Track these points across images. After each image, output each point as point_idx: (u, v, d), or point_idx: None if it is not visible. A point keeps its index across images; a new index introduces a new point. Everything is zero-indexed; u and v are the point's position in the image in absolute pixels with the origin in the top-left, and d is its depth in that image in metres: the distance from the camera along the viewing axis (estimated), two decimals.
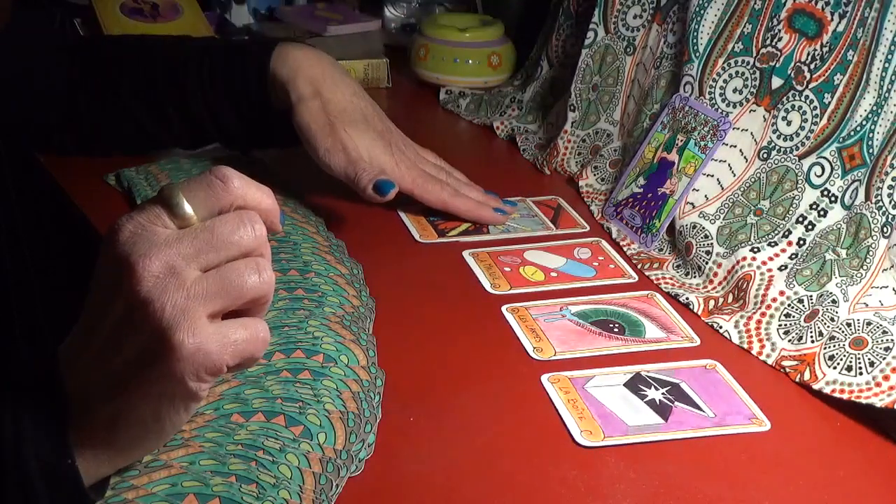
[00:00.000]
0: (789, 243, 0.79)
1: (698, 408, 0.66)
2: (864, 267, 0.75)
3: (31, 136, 0.94)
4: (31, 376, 0.49)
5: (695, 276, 0.82)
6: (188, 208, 0.47)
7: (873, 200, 0.77)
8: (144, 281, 0.45)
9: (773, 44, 0.85)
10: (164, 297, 0.45)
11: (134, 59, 0.91)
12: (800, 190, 0.81)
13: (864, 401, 0.65)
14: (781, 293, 0.75)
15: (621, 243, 0.89)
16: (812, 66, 0.82)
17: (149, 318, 0.45)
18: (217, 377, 0.47)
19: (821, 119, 0.81)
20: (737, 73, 0.88)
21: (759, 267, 0.78)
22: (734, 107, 0.87)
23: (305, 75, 0.85)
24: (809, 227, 0.79)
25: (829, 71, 0.81)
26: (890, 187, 0.76)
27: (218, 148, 0.96)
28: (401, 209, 0.91)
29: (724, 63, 0.88)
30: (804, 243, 0.78)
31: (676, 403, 0.66)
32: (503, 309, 0.76)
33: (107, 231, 0.47)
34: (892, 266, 0.76)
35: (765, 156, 0.84)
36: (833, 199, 0.79)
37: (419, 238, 0.87)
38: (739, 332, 0.75)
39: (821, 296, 0.74)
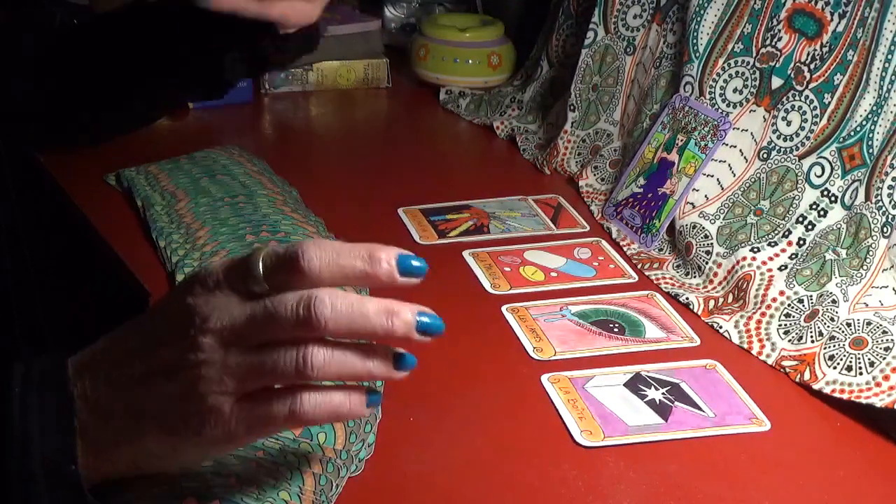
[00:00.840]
0: (789, 243, 0.79)
1: (698, 408, 0.66)
2: (864, 267, 0.75)
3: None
4: (39, 377, 0.49)
5: (695, 276, 0.82)
6: (262, 279, 0.46)
7: (873, 200, 0.77)
8: (196, 346, 0.46)
9: (773, 44, 0.85)
10: (203, 370, 0.46)
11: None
12: (800, 190, 0.81)
13: (864, 401, 0.65)
14: (781, 293, 0.75)
15: (621, 243, 0.89)
16: (812, 66, 0.82)
17: (185, 381, 0.46)
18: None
19: (821, 119, 0.81)
20: (737, 73, 0.88)
21: (759, 267, 0.78)
22: (734, 107, 0.87)
23: None
24: (809, 227, 0.79)
25: (829, 71, 0.81)
26: (890, 187, 0.76)
27: (213, 141, 0.96)
28: (401, 210, 0.91)
29: (724, 63, 0.88)
30: (804, 243, 0.78)
31: (676, 403, 0.66)
32: (503, 309, 0.76)
33: (193, 275, 0.48)
34: (892, 266, 0.76)
35: (765, 156, 0.84)
36: (833, 199, 0.79)
37: (419, 240, 0.87)
38: (739, 332, 0.75)
39: (821, 296, 0.74)
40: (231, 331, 0.46)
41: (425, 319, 0.48)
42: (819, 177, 0.80)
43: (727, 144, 0.86)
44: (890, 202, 0.76)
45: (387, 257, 0.47)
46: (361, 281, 0.47)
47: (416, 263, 0.48)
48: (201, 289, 0.47)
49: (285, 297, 0.45)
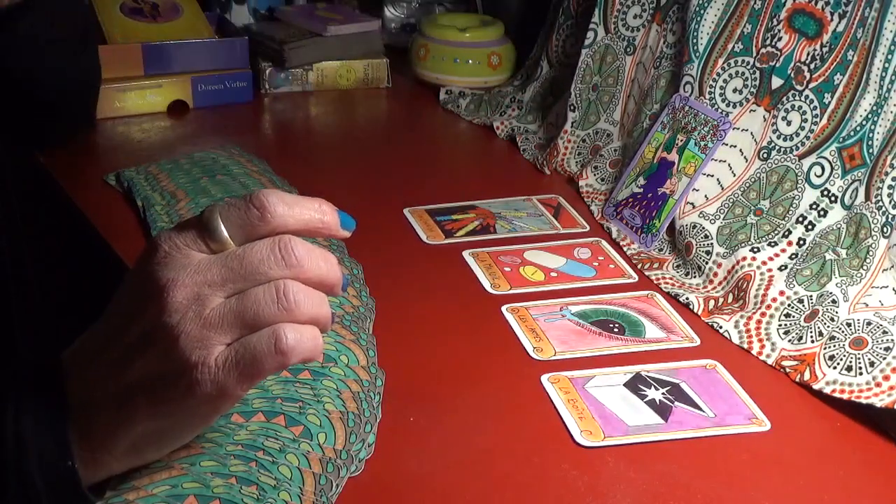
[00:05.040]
0: (789, 243, 0.79)
1: (698, 408, 0.66)
2: (864, 267, 0.75)
3: None
4: (33, 377, 0.49)
5: (695, 276, 0.82)
6: (224, 233, 0.47)
7: (873, 200, 0.77)
8: (167, 307, 0.45)
9: (773, 44, 0.85)
10: (181, 327, 0.45)
11: None
12: (800, 190, 0.81)
13: (864, 401, 0.65)
14: (781, 293, 0.75)
15: (621, 243, 0.89)
16: (812, 66, 0.82)
17: (163, 344, 0.46)
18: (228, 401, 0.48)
19: (821, 119, 0.81)
20: (737, 73, 0.88)
21: (759, 267, 0.78)
22: (734, 107, 0.87)
23: None
24: (809, 227, 0.79)
25: (829, 71, 0.81)
26: (890, 187, 0.76)
27: (213, 141, 0.96)
28: (406, 210, 0.91)
29: (724, 63, 0.88)
30: (804, 243, 0.78)
31: (676, 403, 0.66)
32: (503, 309, 0.76)
33: (145, 247, 0.48)
34: (892, 266, 0.76)
35: (765, 156, 0.84)
36: (833, 199, 0.79)
37: (427, 240, 0.87)
38: (739, 332, 0.75)
39: (821, 296, 0.74)
40: (205, 283, 0.46)
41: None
42: (819, 177, 0.80)
43: (727, 144, 0.86)
44: (890, 202, 0.76)
45: (330, 210, 0.49)
46: (316, 229, 0.49)
47: (350, 218, 0.51)
48: (158, 255, 0.46)
49: (258, 243, 0.47)
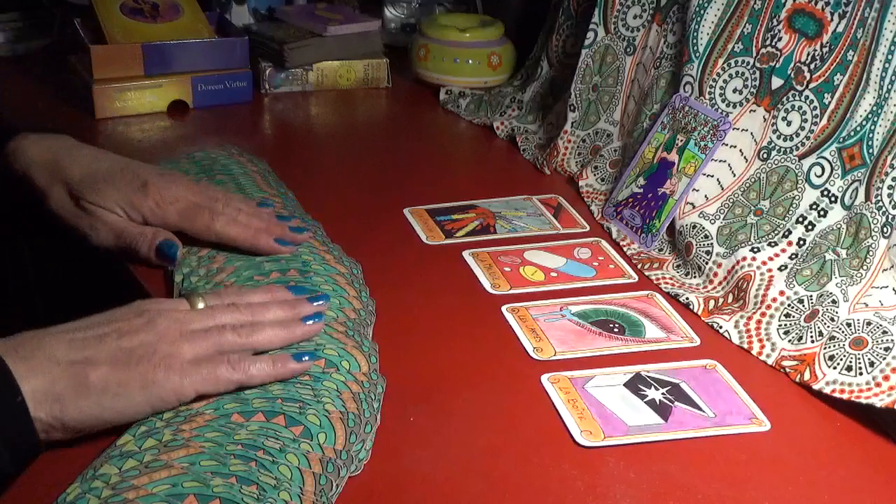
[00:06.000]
0: (789, 243, 0.79)
1: (698, 408, 0.66)
2: (864, 267, 0.75)
3: None
4: None
5: (695, 276, 0.82)
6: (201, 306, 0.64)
7: (873, 200, 0.77)
8: (152, 323, 0.60)
9: (773, 44, 0.85)
10: (160, 327, 0.60)
11: None
12: (800, 190, 0.81)
13: (864, 401, 0.65)
14: (781, 293, 0.75)
15: (621, 243, 0.89)
16: (812, 67, 0.82)
17: (142, 338, 0.59)
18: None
19: (821, 119, 0.81)
20: (737, 73, 0.88)
21: (759, 267, 0.78)
22: (734, 107, 0.87)
23: (38, 165, 0.77)
24: (809, 227, 0.79)
25: (829, 71, 0.81)
26: (890, 187, 0.76)
27: (213, 141, 0.96)
28: (406, 210, 0.91)
29: (724, 63, 0.88)
30: (804, 243, 0.78)
31: (676, 403, 0.66)
32: (503, 309, 0.76)
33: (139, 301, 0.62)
34: (892, 266, 0.76)
35: (765, 156, 0.84)
36: (833, 199, 0.79)
37: (427, 240, 0.87)
38: (739, 332, 0.75)
39: (821, 296, 0.74)
40: (187, 313, 0.62)
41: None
42: (819, 177, 0.80)
43: (727, 144, 0.86)
44: (890, 202, 0.76)
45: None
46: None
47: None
48: (149, 304, 0.62)
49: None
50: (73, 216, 0.76)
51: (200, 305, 0.63)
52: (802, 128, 0.82)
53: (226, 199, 0.79)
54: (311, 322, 0.66)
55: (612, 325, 0.75)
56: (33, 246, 0.92)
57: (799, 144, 0.82)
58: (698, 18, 0.90)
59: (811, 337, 0.72)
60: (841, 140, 0.79)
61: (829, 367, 0.69)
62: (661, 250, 0.87)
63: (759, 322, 0.75)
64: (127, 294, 0.75)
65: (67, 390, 0.54)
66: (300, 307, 0.67)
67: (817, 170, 0.80)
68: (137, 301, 0.62)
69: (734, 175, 0.86)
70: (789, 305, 0.75)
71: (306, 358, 0.63)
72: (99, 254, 0.76)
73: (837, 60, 0.81)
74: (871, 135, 0.78)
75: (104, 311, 0.60)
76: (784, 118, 0.84)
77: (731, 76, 0.88)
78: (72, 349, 0.56)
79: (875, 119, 0.78)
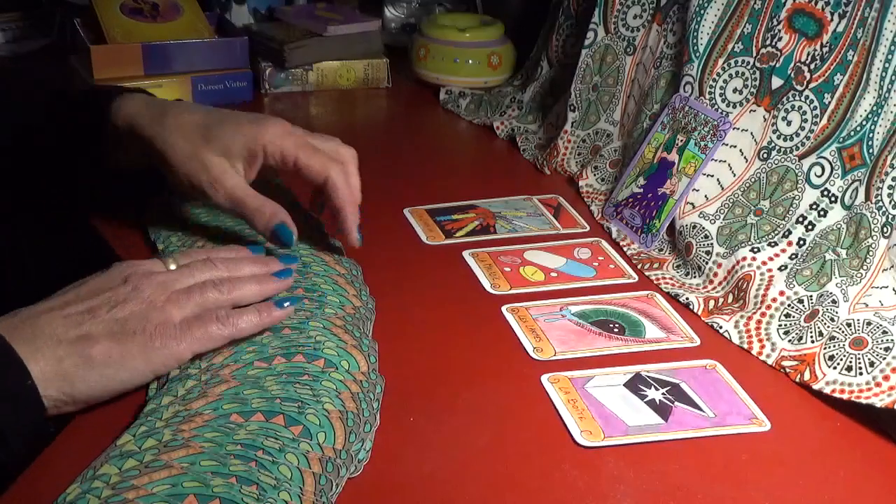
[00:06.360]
0: (789, 243, 0.79)
1: (698, 408, 0.66)
2: (864, 267, 0.75)
3: None
4: None
5: (695, 276, 0.82)
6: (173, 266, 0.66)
7: (873, 200, 0.77)
8: (140, 286, 0.62)
9: (773, 44, 0.85)
10: (147, 293, 0.62)
11: None
12: (800, 190, 0.81)
13: (864, 401, 0.65)
14: (781, 293, 0.75)
15: (621, 243, 0.89)
16: (812, 66, 0.82)
17: (133, 304, 0.60)
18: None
19: (821, 119, 0.81)
20: (737, 73, 0.88)
21: (759, 267, 0.78)
22: (734, 107, 0.87)
23: (153, 120, 0.75)
24: (809, 227, 0.79)
25: (829, 71, 0.81)
26: (890, 187, 0.76)
27: None
28: (406, 210, 0.91)
29: (724, 63, 0.88)
30: (804, 243, 0.78)
31: (676, 403, 0.66)
32: (503, 309, 0.76)
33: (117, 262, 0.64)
34: (892, 266, 0.76)
35: (765, 156, 0.84)
36: (833, 199, 0.79)
37: (427, 240, 0.87)
38: (739, 332, 0.75)
39: (821, 296, 0.74)
40: (167, 275, 0.64)
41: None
42: (819, 177, 0.80)
43: (727, 144, 0.86)
44: (890, 202, 0.76)
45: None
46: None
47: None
48: (128, 266, 0.64)
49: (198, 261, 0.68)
50: (194, 173, 0.73)
51: (172, 267, 0.66)
52: (802, 128, 0.82)
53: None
54: (282, 278, 0.68)
55: (612, 326, 0.75)
56: (32, 245, 0.92)
57: (799, 144, 0.82)
58: (698, 18, 0.90)
59: (811, 337, 0.72)
60: (841, 140, 0.79)
61: (829, 367, 0.69)
62: (661, 250, 0.87)
63: (759, 322, 0.75)
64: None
65: (73, 367, 0.56)
66: (271, 263, 0.69)
67: (817, 170, 0.80)
68: (115, 264, 0.64)
69: (734, 175, 0.86)
70: (789, 305, 0.75)
71: (287, 304, 0.65)
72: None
73: (837, 60, 0.81)
74: (871, 135, 0.78)
75: (85, 279, 0.63)
76: (784, 118, 0.84)
77: (731, 76, 0.88)
78: (69, 326, 0.58)
79: (875, 119, 0.78)
